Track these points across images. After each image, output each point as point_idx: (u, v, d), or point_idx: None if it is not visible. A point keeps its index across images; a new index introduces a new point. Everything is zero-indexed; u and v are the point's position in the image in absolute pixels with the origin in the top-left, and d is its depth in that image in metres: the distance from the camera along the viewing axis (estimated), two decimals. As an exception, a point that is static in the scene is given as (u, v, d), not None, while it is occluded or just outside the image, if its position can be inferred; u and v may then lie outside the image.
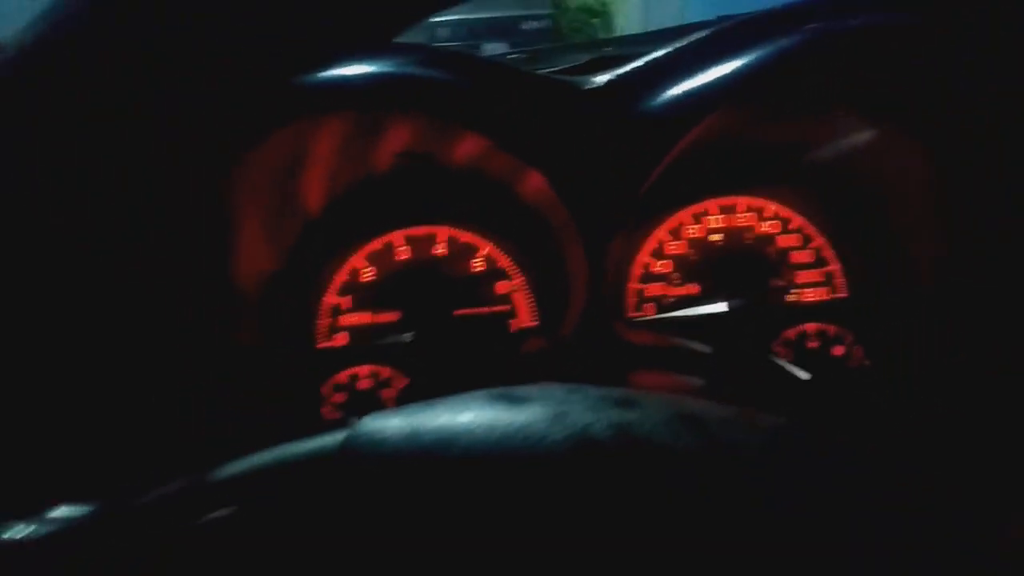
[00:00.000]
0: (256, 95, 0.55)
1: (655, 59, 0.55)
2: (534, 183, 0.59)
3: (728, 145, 0.70)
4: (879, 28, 0.50)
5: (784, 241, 0.76)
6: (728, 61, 0.52)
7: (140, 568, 0.30)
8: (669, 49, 0.55)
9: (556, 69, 0.79)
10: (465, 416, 0.30)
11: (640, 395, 0.32)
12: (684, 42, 0.54)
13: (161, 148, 0.52)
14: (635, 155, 0.55)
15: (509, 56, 1.11)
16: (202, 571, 0.30)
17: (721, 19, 0.88)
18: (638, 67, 0.55)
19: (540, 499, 0.27)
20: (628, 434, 0.28)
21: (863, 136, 0.68)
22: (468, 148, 0.63)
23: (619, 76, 0.56)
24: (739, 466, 0.28)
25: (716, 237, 0.75)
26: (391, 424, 0.30)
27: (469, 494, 0.28)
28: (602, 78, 0.56)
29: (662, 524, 0.27)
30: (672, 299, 0.75)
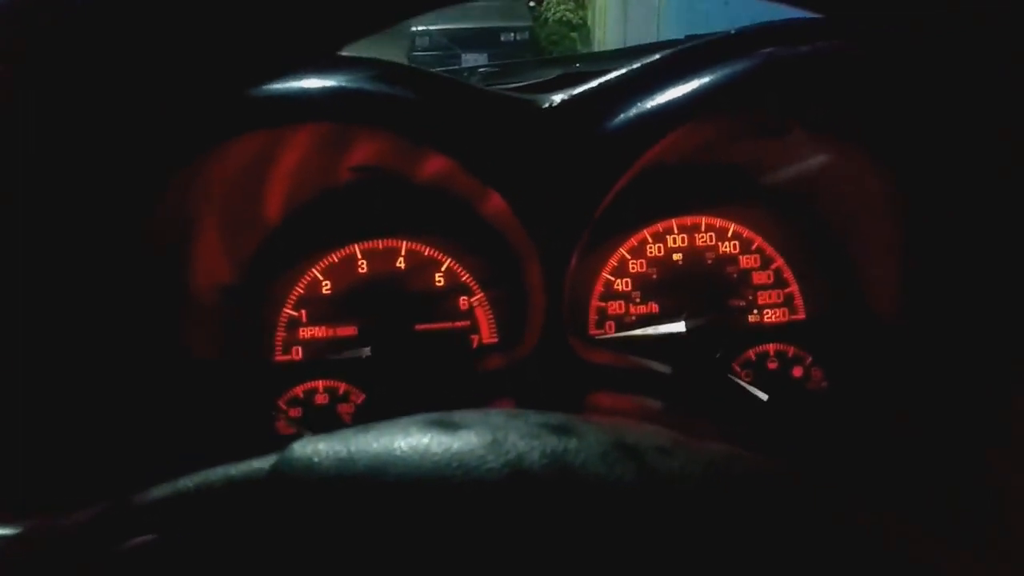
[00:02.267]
0: (212, 105, 0.55)
1: (612, 79, 0.55)
2: (494, 202, 0.59)
3: (690, 165, 0.71)
4: (826, 56, 0.51)
5: (744, 262, 0.76)
6: (682, 83, 0.53)
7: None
8: (625, 70, 0.55)
9: (523, 84, 0.79)
10: (399, 442, 0.29)
11: (580, 423, 0.31)
12: (640, 63, 0.54)
13: (117, 157, 0.51)
14: (591, 175, 0.55)
15: (481, 69, 1.11)
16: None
17: (689, 38, 0.89)
18: (594, 87, 0.55)
19: (472, 528, 0.27)
20: (563, 463, 0.28)
21: (821, 158, 0.68)
22: (430, 165, 0.62)
23: (575, 95, 0.56)
24: (673, 497, 0.27)
25: (677, 256, 0.76)
26: (322, 449, 0.30)
27: (400, 522, 0.27)
28: (558, 97, 0.56)
29: (593, 554, 0.26)
30: (633, 317, 0.75)
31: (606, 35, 5.71)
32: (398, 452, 0.29)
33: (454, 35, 4.85)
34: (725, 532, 0.27)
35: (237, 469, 0.31)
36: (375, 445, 0.29)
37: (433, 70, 0.83)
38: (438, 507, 0.27)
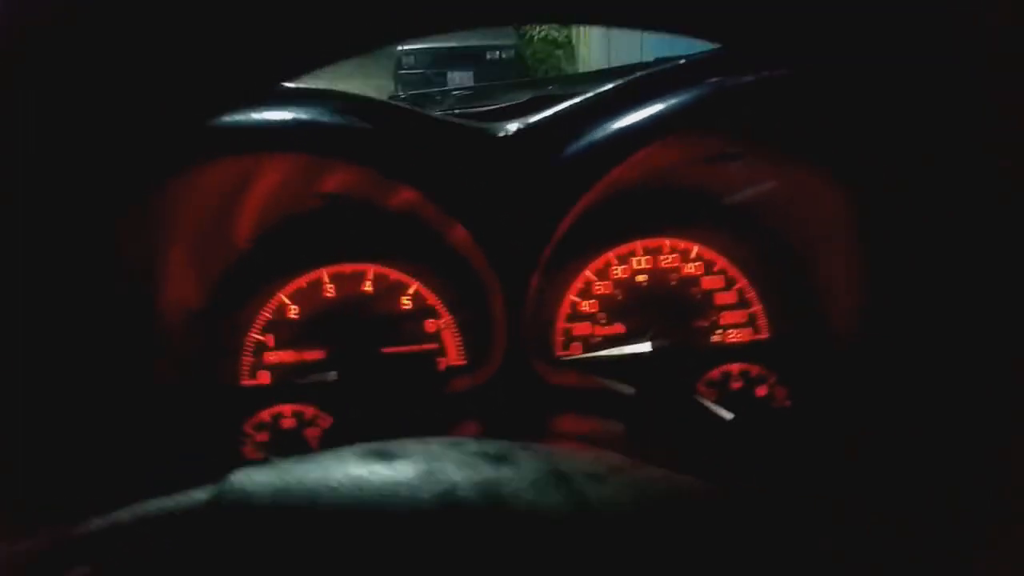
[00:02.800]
0: (181, 130, 0.55)
1: (566, 108, 0.56)
2: (457, 231, 0.59)
3: (652, 188, 0.72)
4: (771, 81, 0.52)
5: (708, 283, 0.77)
6: (632, 111, 0.54)
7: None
8: (577, 100, 0.56)
9: (495, 107, 0.80)
10: (336, 473, 0.30)
11: (519, 450, 0.32)
12: (592, 92, 0.56)
13: (82, 179, 0.51)
14: (545, 201, 0.56)
15: (455, 92, 1.12)
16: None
17: (658, 61, 0.90)
18: (548, 115, 0.56)
19: (404, 558, 0.27)
20: (495, 492, 0.29)
21: (781, 179, 0.69)
22: (399, 195, 0.63)
23: (530, 124, 0.57)
24: (600, 524, 0.28)
25: (642, 278, 0.76)
26: (259, 479, 0.30)
27: (333, 552, 0.28)
28: (513, 125, 0.57)
29: (523, 583, 0.27)
30: (599, 339, 0.76)
31: (591, 53, 5.76)
32: (333, 483, 0.29)
33: (440, 54, 4.88)
34: (655, 559, 0.28)
35: (175, 500, 0.31)
36: (311, 476, 0.30)
37: (406, 94, 0.84)
38: (371, 537, 0.27)
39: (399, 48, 4.79)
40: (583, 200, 0.55)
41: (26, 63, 0.32)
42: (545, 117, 0.56)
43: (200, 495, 0.31)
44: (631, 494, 0.30)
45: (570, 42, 6.32)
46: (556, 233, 0.56)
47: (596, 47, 5.68)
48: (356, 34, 0.36)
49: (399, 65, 4.86)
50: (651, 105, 0.53)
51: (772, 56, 0.48)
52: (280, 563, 0.28)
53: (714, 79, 0.53)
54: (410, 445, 0.32)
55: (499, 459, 0.31)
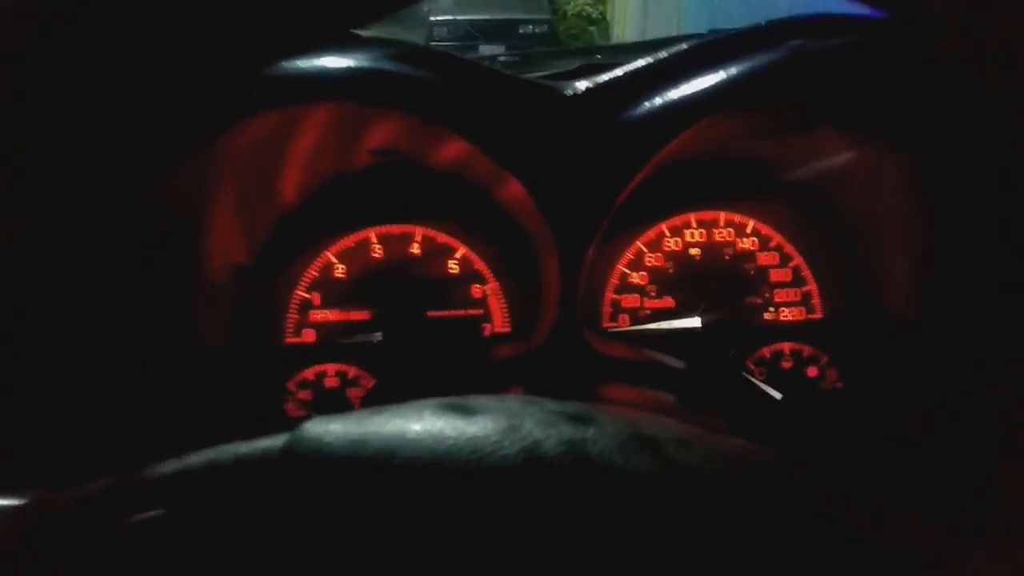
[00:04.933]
0: (229, 82, 0.54)
1: (637, 68, 0.54)
2: (512, 188, 0.58)
3: (710, 159, 0.70)
4: (857, 49, 0.50)
5: (763, 258, 0.75)
6: (708, 74, 0.52)
7: (78, 564, 0.29)
8: (650, 59, 0.54)
9: (545, 74, 0.78)
10: (413, 425, 0.29)
11: (597, 412, 0.31)
12: (666, 53, 0.53)
13: (134, 131, 0.51)
14: (612, 165, 0.54)
15: (501, 58, 1.10)
16: (136, 570, 0.29)
17: (712, 32, 0.87)
18: (619, 75, 0.54)
19: (484, 514, 0.26)
20: (580, 452, 0.27)
21: (846, 155, 0.67)
22: (448, 149, 0.62)
23: (600, 83, 0.55)
24: (691, 490, 0.27)
25: (694, 251, 0.75)
26: (334, 430, 0.29)
27: (410, 506, 0.27)
28: (582, 84, 0.55)
29: (610, 545, 0.26)
30: (647, 311, 0.75)
31: (625, 31, 5.67)
32: (411, 435, 0.28)
33: (473, 26, 4.82)
34: (742, 526, 0.27)
35: (247, 447, 0.30)
36: (388, 427, 0.29)
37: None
38: (450, 492, 0.27)
39: (431, 19, 4.74)
40: (650, 165, 0.53)
41: (76, 17, 0.31)
42: (614, 77, 0.54)
43: (274, 443, 0.30)
44: (720, 462, 0.29)
45: (604, 18, 6.24)
46: (619, 199, 0.54)
47: (631, 24, 5.59)
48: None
49: (430, 36, 4.81)
50: (728, 68, 0.51)
51: (867, 21, 0.46)
52: (353, 515, 0.27)
53: (791, 43, 0.51)
54: (486, 400, 0.31)
55: (579, 419, 0.30)
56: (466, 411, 0.30)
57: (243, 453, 0.30)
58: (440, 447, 0.28)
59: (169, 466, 0.30)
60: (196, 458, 0.30)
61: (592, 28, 6.05)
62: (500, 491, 0.26)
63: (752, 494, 0.28)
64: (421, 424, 0.29)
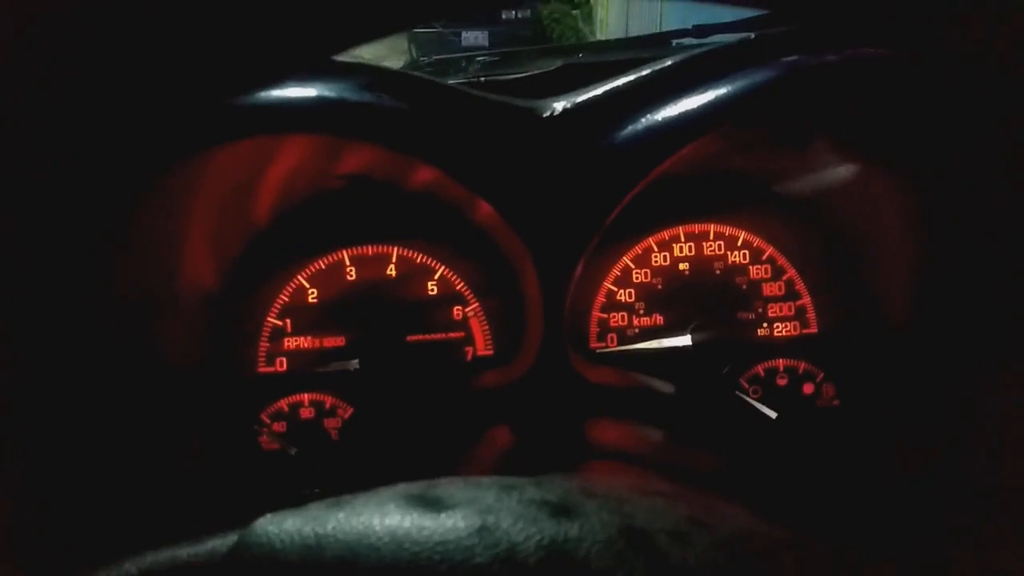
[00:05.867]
0: (202, 109, 0.51)
1: (619, 86, 0.51)
2: (484, 210, 0.55)
3: (700, 172, 0.66)
4: (856, 63, 0.47)
5: (755, 272, 0.72)
6: (697, 93, 0.48)
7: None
8: (632, 76, 0.51)
9: (525, 75, 0.75)
10: (375, 524, 0.26)
11: (583, 499, 0.28)
12: (648, 70, 0.50)
13: (106, 157, 0.48)
14: (599, 187, 0.51)
15: (480, 58, 1.06)
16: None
17: (697, 28, 0.84)
18: (600, 95, 0.51)
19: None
20: (563, 555, 0.24)
21: (841, 169, 0.64)
22: (421, 174, 0.59)
23: (579, 103, 0.51)
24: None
25: (684, 266, 0.72)
26: (288, 530, 0.26)
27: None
28: (560, 104, 0.52)
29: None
30: (636, 330, 0.72)
31: (608, 14, 5.62)
32: (372, 538, 0.25)
33: (454, 13, 4.76)
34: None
35: (189, 551, 0.27)
36: (347, 527, 0.26)
37: (431, 70, 0.79)
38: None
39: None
40: (639, 187, 0.50)
41: (51, 40, 0.29)
42: (594, 96, 0.51)
43: (221, 544, 0.27)
44: (719, 557, 0.26)
45: (587, 1, 6.19)
46: (605, 222, 0.51)
47: (615, 7, 5.54)
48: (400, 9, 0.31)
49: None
50: (718, 87, 0.47)
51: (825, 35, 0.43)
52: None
53: (779, 60, 0.47)
54: (458, 489, 0.28)
55: (562, 511, 0.27)
56: (434, 505, 0.27)
57: (184, 557, 0.27)
58: (404, 554, 0.24)
59: (110, 571, 0.27)
60: (132, 564, 0.27)
61: (575, 12, 5.99)
62: (472, 608, 0.23)
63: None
64: (384, 523, 0.26)
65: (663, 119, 0.48)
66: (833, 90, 0.47)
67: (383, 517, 0.26)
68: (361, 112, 0.50)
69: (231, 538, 0.27)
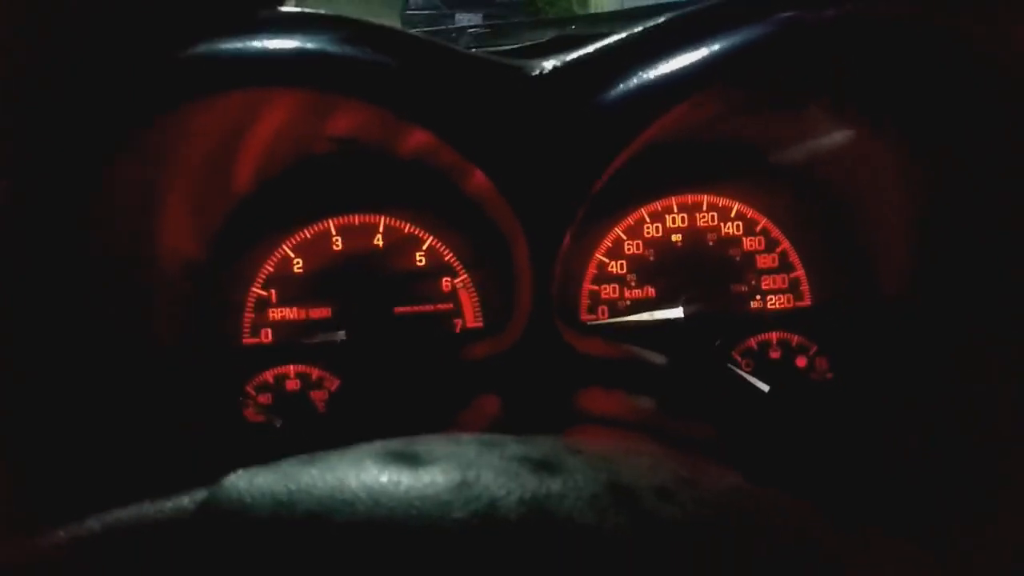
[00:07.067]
0: (176, 63, 0.49)
1: (610, 44, 0.49)
2: (476, 178, 0.53)
3: (693, 139, 0.65)
4: (855, 19, 0.45)
5: (748, 244, 0.71)
6: (690, 50, 0.47)
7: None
8: (624, 34, 0.49)
9: (517, 46, 0.73)
10: (350, 479, 0.25)
11: (567, 455, 0.27)
12: (641, 27, 0.48)
13: (73, 117, 0.46)
14: (587, 151, 0.50)
15: (471, 30, 1.05)
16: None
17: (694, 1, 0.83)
18: (590, 52, 0.49)
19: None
20: (545, 511, 0.23)
21: (837, 136, 0.63)
22: (413, 137, 0.57)
23: (569, 62, 0.50)
24: (674, 552, 0.23)
25: (676, 237, 0.70)
26: (260, 484, 0.25)
27: (345, 578, 0.23)
28: (550, 63, 0.50)
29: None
30: (628, 302, 0.71)
31: (603, -4, 5.59)
32: (347, 493, 0.24)
33: (449, -7, 4.73)
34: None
35: (156, 508, 0.26)
36: (320, 483, 0.25)
37: (421, 31, 0.77)
38: (390, 566, 0.22)
39: (406, -14, 4.65)
40: (629, 150, 0.48)
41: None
42: (586, 54, 0.49)
43: (189, 500, 0.26)
44: (706, 514, 0.25)
45: (583, -17, 6.15)
46: (595, 186, 0.50)
47: (610, -11, 5.51)
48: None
49: (406, 4, 4.71)
50: (711, 43, 0.46)
51: None
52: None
53: (786, 13, 0.46)
54: (438, 445, 0.27)
55: (545, 467, 0.25)
56: (412, 460, 0.25)
57: (151, 514, 0.26)
58: (380, 510, 0.23)
59: (69, 531, 0.26)
60: (94, 522, 0.26)
61: (571, -6, 5.95)
62: (450, 565, 0.22)
63: (742, 552, 0.24)
64: (359, 477, 0.25)
65: (654, 78, 0.46)
66: (831, 47, 0.46)
67: (359, 472, 0.25)
68: (348, 66, 0.48)
69: (200, 494, 0.26)
